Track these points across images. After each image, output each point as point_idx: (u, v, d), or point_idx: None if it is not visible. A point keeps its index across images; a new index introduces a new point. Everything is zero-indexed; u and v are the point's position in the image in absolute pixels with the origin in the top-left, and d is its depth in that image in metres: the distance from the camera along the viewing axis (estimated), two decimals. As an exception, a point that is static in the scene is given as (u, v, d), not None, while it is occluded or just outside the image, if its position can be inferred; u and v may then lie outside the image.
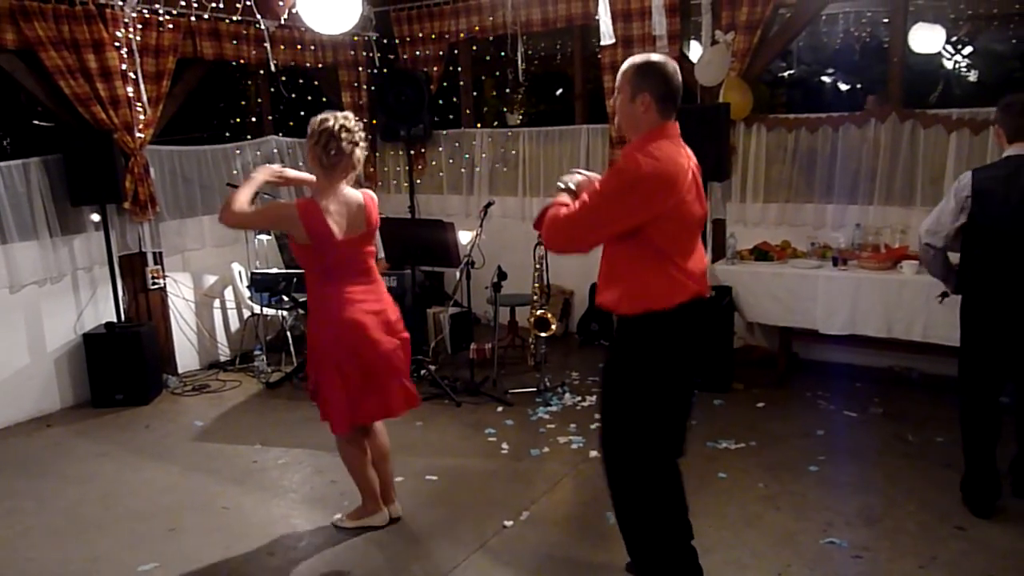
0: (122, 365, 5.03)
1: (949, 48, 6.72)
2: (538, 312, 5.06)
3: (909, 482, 3.66)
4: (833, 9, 6.00)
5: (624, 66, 2.52)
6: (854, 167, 5.09)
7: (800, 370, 5.28)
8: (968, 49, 6.99)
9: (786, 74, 7.53)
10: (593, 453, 4.00)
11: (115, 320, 5.13)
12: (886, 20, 6.00)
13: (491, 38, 6.33)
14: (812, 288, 4.71)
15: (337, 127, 3.05)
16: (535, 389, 5.01)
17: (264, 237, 5.70)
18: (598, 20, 5.33)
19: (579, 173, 2.66)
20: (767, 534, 3.26)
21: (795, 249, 5.15)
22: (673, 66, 2.51)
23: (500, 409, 4.78)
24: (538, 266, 5.21)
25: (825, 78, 7.63)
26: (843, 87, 7.54)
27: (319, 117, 3.09)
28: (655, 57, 2.51)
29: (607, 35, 5.28)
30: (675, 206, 2.43)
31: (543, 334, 5.05)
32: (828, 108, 5.39)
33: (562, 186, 2.60)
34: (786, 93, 7.39)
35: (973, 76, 7.23)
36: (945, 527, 3.26)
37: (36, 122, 6.79)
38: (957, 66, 7.11)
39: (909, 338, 4.49)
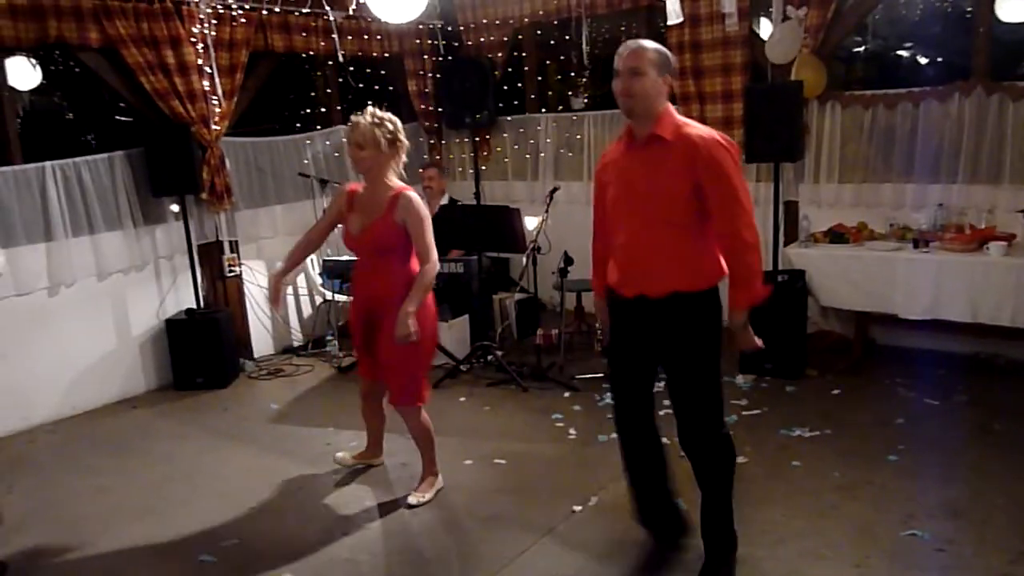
0: (202, 350, 5.23)
1: (1040, 17, 6.33)
2: (605, 297, 5.02)
3: (996, 473, 3.50)
4: (913, -21, 5.74)
5: (648, 52, 2.60)
6: (936, 144, 4.87)
7: (877, 356, 5.11)
8: (1061, 18, 6.57)
9: (861, 49, 7.23)
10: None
11: (195, 306, 5.33)
12: (970, -11, 5.70)
13: (555, 22, 6.28)
14: (891, 271, 4.54)
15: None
16: (602, 375, 4.98)
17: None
18: (663, 1, 5.22)
19: None
20: (844, 525, 3.17)
21: (872, 231, 4.96)
22: None
23: (567, 394, 4.78)
24: (605, 251, 5.16)
25: (903, 52, 7.29)
26: (923, 61, 7.19)
27: (390, 121, 3.34)
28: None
29: (674, 14, 5.16)
30: None
31: (610, 319, 5.01)
32: (906, 84, 5.16)
33: None
34: (862, 69, 7.10)
35: (1066, 47, 6.80)
36: (1035, 521, 3.12)
37: (118, 117, 7.08)
38: (1048, 36, 6.70)
39: (996, 323, 4.29)
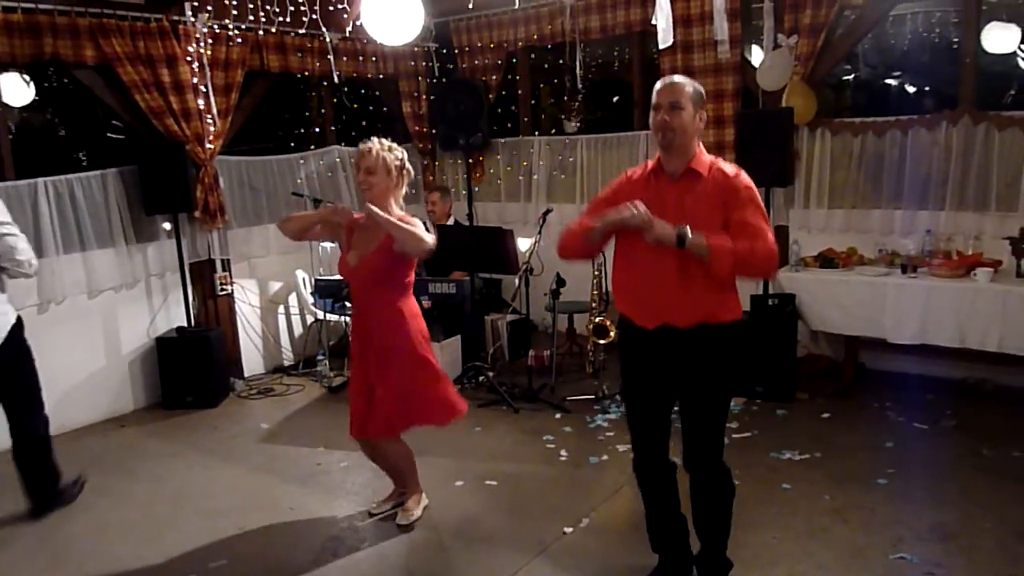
0: (192, 368, 5.19)
1: (1024, 48, 6.46)
2: (596, 319, 5.05)
3: (985, 497, 3.52)
4: (901, 10, 5.84)
5: (687, 87, 2.64)
6: (924, 171, 4.94)
7: (867, 380, 5.14)
8: (1046, 49, 6.70)
9: (851, 77, 7.35)
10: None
11: (186, 325, 5.31)
12: (956, 20, 5.80)
13: (549, 46, 6.36)
14: (880, 296, 4.58)
15: None
16: (593, 397, 4.99)
17: (328, 244, 5.82)
18: (655, 25, 5.29)
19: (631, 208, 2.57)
20: (834, 548, 3.18)
21: (862, 256, 5.02)
22: None
23: (558, 416, 4.78)
24: (596, 273, 5.20)
25: (892, 81, 7.41)
26: (911, 90, 7.31)
27: (399, 151, 3.36)
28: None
29: (665, 37, 5.21)
30: None
31: (601, 341, 5.03)
32: (895, 111, 5.24)
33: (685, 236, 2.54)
34: (851, 97, 7.21)
35: (1050, 77, 6.92)
36: (1024, 545, 3.13)
37: (110, 135, 7.09)
38: (1033, 67, 6.82)
39: (984, 348, 4.33)
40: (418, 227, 3.28)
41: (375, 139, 3.33)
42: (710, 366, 2.68)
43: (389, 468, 3.65)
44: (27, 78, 5.88)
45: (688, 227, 2.53)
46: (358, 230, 3.40)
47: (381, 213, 3.18)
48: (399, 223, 3.20)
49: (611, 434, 4.47)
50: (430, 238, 3.25)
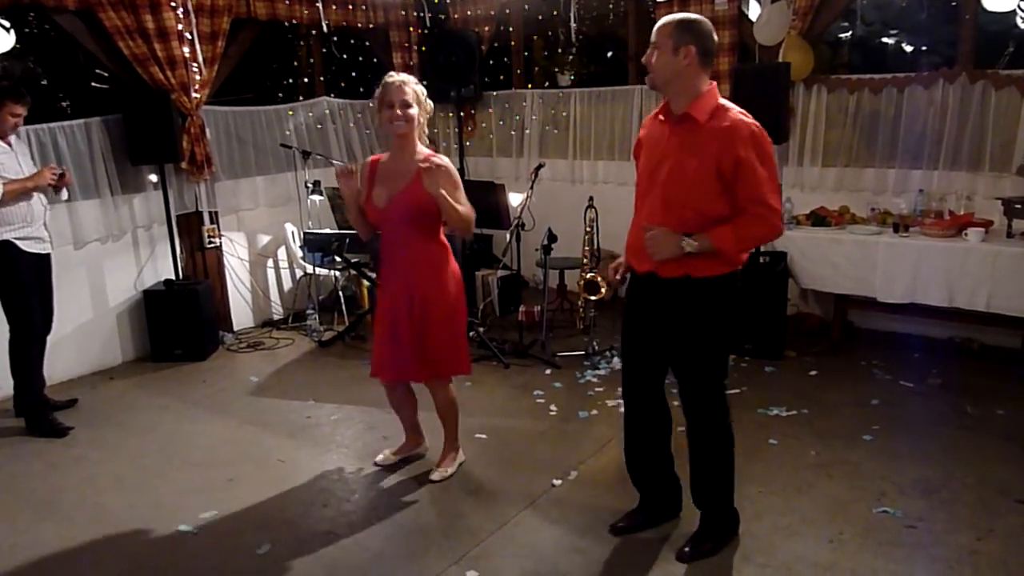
0: (181, 321, 5.17)
1: (1024, 6, 6.36)
2: (587, 275, 5.03)
3: (967, 454, 3.57)
4: (901, -35, 5.74)
5: (668, 24, 2.53)
6: (919, 130, 4.90)
7: (855, 339, 5.17)
8: (1045, 7, 6.60)
9: (848, 34, 7.24)
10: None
11: (173, 277, 5.26)
12: (956, -23, 5.70)
13: (543, -3, 6.23)
14: (871, 255, 4.58)
15: None
16: (583, 353, 5.01)
17: (317, 198, 5.76)
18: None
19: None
20: (818, 502, 3.22)
21: (854, 215, 5.01)
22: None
23: (548, 372, 4.79)
24: (588, 229, 5.16)
25: (889, 39, 7.31)
26: (908, 48, 7.22)
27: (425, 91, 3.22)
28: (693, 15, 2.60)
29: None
30: None
31: (592, 298, 5.02)
32: (891, 70, 5.18)
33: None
34: (848, 54, 7.12)
35: (1048, 37, 6.84)
36: (1004, 500, 3.18)
37: (94, 83, 6.94)
38: (1031, 26, 6.72)
39: (972, 308, 4.35)
40: (459, 180, 3.22)
41: (395, 73, 3.20)
42: (693, 318, 2.65)
43: (411, 421, 3.68)
44: (7, 24, 5.71)
45: (688, 240, 2.51)
46: (382, 169, 3.27)
47: (446, 196, 3.05)
48: (457, 206, 3.10)
49: (600, 390, 4.49)
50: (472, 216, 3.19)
